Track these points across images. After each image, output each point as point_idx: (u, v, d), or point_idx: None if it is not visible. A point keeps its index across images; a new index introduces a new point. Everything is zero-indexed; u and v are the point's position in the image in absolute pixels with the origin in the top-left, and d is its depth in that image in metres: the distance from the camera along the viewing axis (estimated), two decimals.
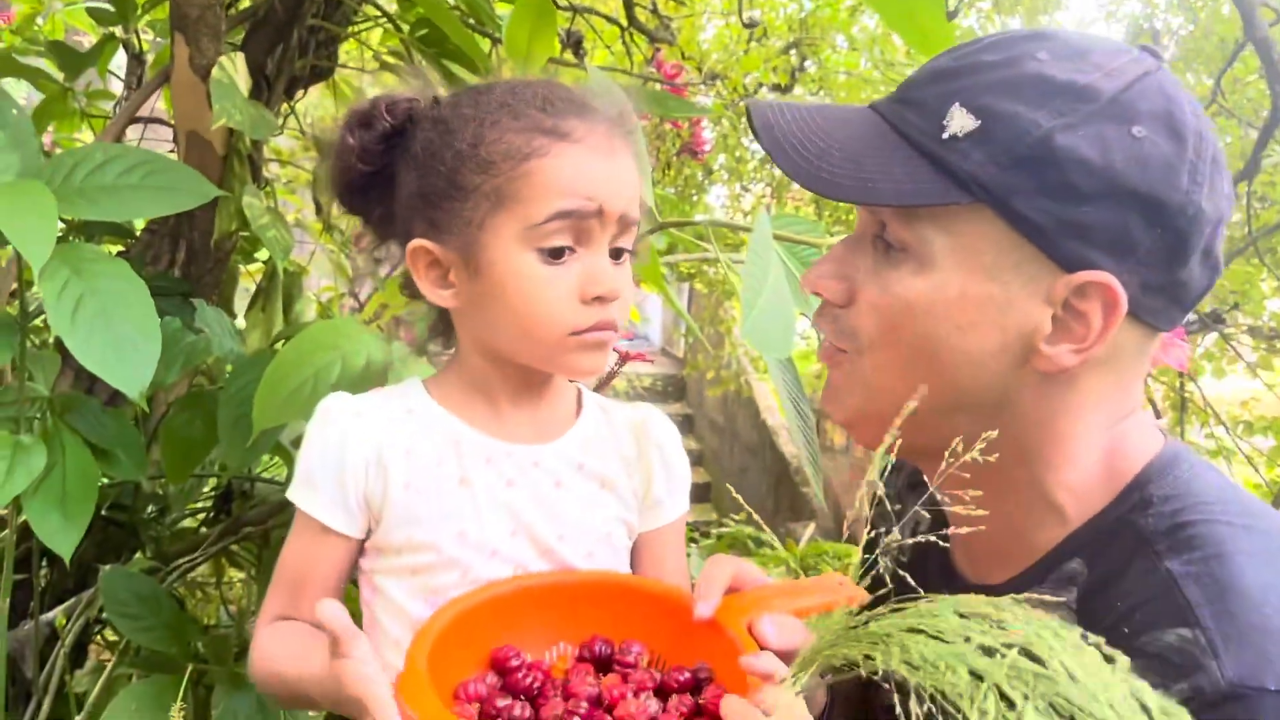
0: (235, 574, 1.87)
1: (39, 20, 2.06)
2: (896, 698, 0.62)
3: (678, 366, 8.92)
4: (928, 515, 0.85)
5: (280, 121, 1.68)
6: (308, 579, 0.89)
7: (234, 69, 1.31)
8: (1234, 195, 0.76)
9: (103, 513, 1.51)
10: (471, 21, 1.59)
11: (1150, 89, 0.72)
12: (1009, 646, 0.57)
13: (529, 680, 0.77)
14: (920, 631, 0.62)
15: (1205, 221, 0.72)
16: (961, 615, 0.61)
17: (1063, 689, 0.55)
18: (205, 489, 1.79)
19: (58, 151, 1.46)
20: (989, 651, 0.58)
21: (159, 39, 1.84)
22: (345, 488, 0.86)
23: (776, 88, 4.29)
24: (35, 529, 1.10)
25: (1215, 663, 0.64)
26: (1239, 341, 3.11)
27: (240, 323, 1.62)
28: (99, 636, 1.60)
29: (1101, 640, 0.57)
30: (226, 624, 1.74)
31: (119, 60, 1.86)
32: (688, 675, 0.78)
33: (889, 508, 0.93)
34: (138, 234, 1.55)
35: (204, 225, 1.45)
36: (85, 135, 1.97)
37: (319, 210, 1.74)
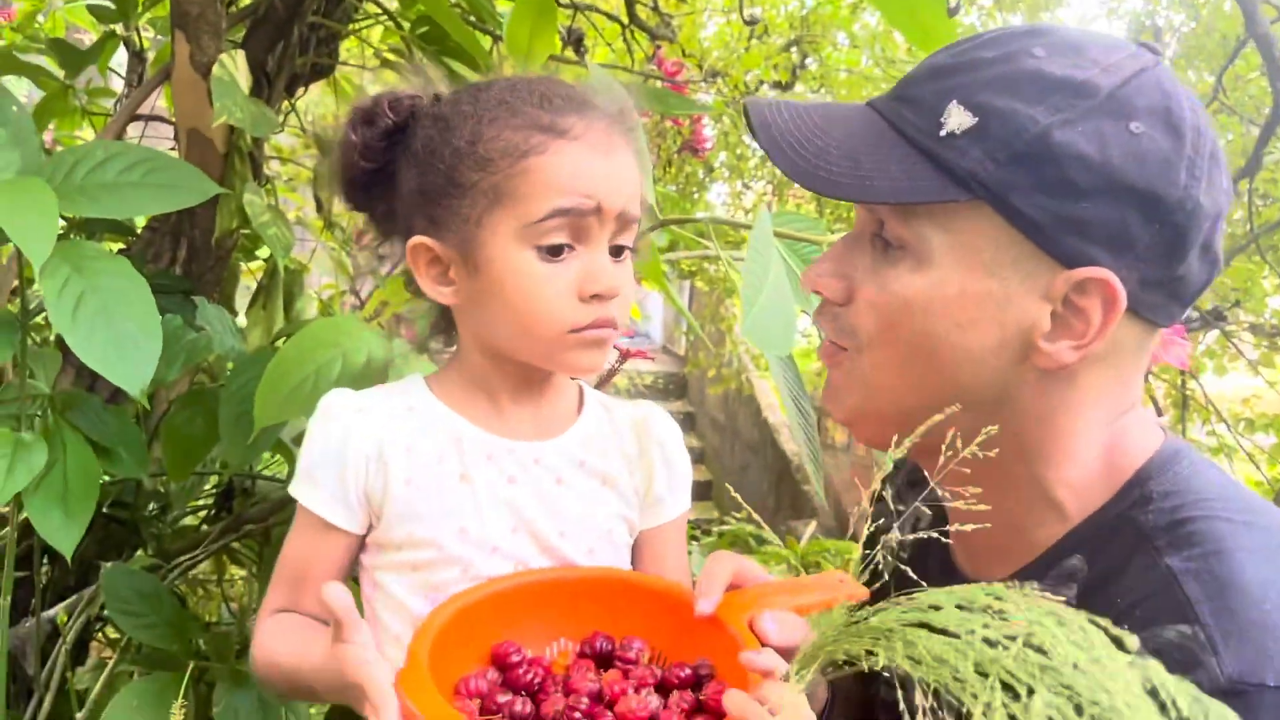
0: (236, 571, 1.87)
1: (40, 18, 2.07)
2: (900, 693, 0.62)
3: (679, 364, 8.93)
4: (929, 512, 0.85)
5: (281, 119, 1.68)
6: (308, 574, 0.89)
7: (235, 66, 1.31)
8: (1233, 190, 0.76)
9: (104, 510, 1.51)
10: (472, 19, 1.59)
11: (1148, 84, 0.72)
12: (1011, 638, 0.57)
13: (530, 676, 0.77)
14: (922, 626, 0.62)
15: (1204, 216, 0.72)
16: (962, 608, 0.61)
17: (1068, 679, 0.55)
18: (206, 486, 1.79)
19: (59, 149, 1.46)
20: (991, 644, 0.58)
21: (160, 36, 1.84)
22: (346, 483, 0.87)
23: (777, 85, 4.29)
24: (36, 526, 1.10)
25: (1215, 659, 0.64)
26: (1240, 339, 3.11)
27: (241, 320, 1.62)
28: (100, 634, 1.60)
29: (1108, 623, 0.57)
30: (228, 621, 1.74)
31: (120, 58, 1.86)
32: (689, 672, 0.78)
33: (890, 506, 0.93)
34: (139, 232, 1.55)
35: (205, 223, 1.45)
36: (86, 133, 1.97)
37: (320, 208, 1.75)
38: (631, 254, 0.89)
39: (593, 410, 0.96)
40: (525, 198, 0.82)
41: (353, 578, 0.93)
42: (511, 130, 0.83)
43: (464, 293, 0.88)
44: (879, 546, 0.75)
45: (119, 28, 1.73)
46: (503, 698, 0.74)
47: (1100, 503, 0.78)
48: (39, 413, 1.19)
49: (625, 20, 2.37)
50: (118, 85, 1.94)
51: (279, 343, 1.49)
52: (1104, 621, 0.57)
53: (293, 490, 0.89)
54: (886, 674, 0.92)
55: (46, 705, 1.28)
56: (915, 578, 0.68)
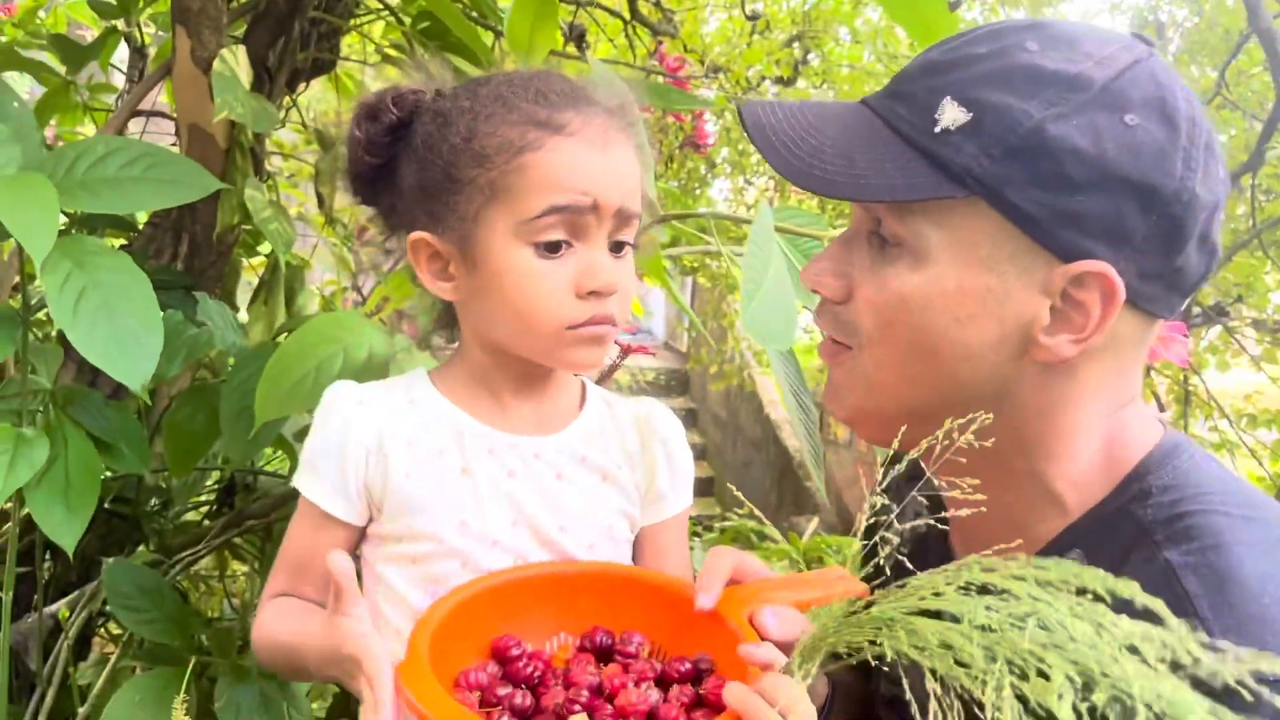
0: (238, 567, 1.87)
1: (41, 14, 2.07)
2: (905, 681, 0.62)
3: (681, 361, 8.93)
4: (926, 504, 0.85)
5: (282, 114, 1.68)
6: (309, 564, 0.89)
7: (235, 62, 1.31)
8: (1234, 185, 0.76)
9: (105, 506, 1.51)
10: (473, 14, 1.59)
11: (1142, 76, 0.72)
12: (1018, 617, 0.57)
13: (530, 669, 0.77)
14: (924, 614, 0.62)
15: (1201, 207, 0.72)
16: (965, 590, 0.61)
17: (1074, 653, 0.55)
18: (208, 482, 1.79)
19: (60, 145, 1.46)
20: (989, 629, 0.58)
21: (161, 32, 1.84)
22: (346, 475, 0.87)
23: (779, 80, 4.29)
24: (38, 522, 1.10)
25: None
26: (1243, 334, 3.11)
27: (243, 316, 1.62)
28: (102, 629, 1.60)
29: (1104, 574, 0.57)
30: (230, 617, 1.75)
31: (121, 54, 1.86)
32: (689, 666, 0.78)
33: (889, 501, 0.93)
34: (140, 227, 1.55)
35: (206, 219, 1.45)
36: (88, 129, 1.97)
37: (321, 203, 1.74)
38: (632, 250, 0.89)
39: (595, 406, 0.96)
40: (522, 194, 0.82)
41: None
42: (508, 126, 0.83)
43: (464, 288, 0.88)
44: (875, 537, 0.75)
45: (120, 23, 1.73)
46: (502, 690, 0.75)
47: (1100, 497, 0.78)
48: (40, 408, 1.19)
49: (627, 16, 2.37)
50: (119, 81, 1.94)
51: (280, 338, 1.49)
52: (1097, 573, 0.57)
53: (295, 481, 0.90)
54: (886, 669, 0.93)
55: (49, 700, 1.28)
56: (915, 572, 0.68)
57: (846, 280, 0.81)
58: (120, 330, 1.01)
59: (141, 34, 1.77)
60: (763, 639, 0.74)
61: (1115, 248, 0.71)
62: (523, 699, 0.74)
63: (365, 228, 1.00)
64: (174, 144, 1.44)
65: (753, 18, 3.76)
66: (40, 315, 1.25)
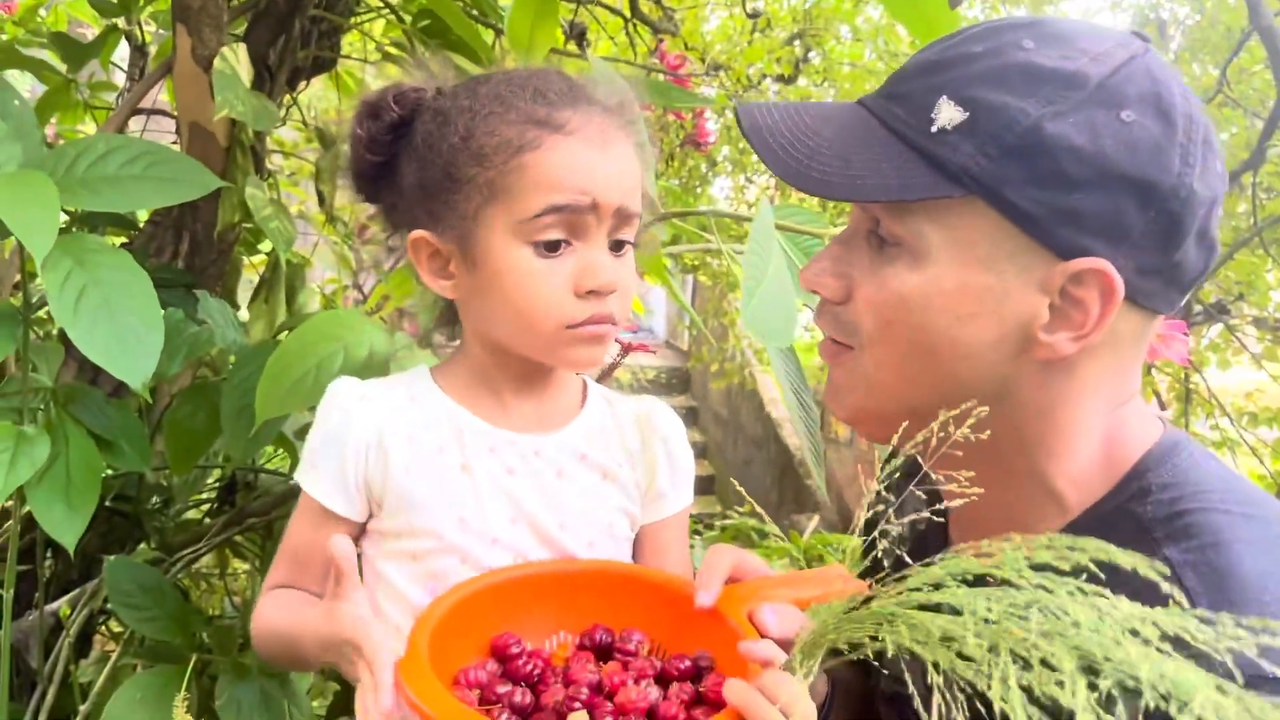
0: (239, 565, 1.88)
1: (42, 12, 2.07)
2: (908, 675, 0.62)
3: (682, 359, 8.93)
4: (925, 499, 0.85)
5: (283, 113, 1.68)
6: (308, 558, 0.90)
7: (236, 60, 1.31)
8: (1233, 182, 0.76)
9: (107, 504, 1.51)
10: (474, 12, 1.59)
11: (1138, 73, 0.72)
12: (1022, 607, 0.57)
13: (529, 667, 0.77)
14: (925, 608, 0.62)
15: (1199, 203, 0.72)
16: (968, 583, 0.61)
17: (1076, 640, 0.55)
18: (209, 480, 1.79)
19: (61, 143, 1.46)
20: (990, 622, 0.58)
21: (161, 30, 1.84)
22: (345, 470, 0.87)
23: (780, 78, 4.29)
24: (39, 520, 1.11)
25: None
26: (1244, 333, 3.11)
27: (243, 314, 1.62)
28: (103, 627, 1.61)
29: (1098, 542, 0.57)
30: (230, 615, 1.75)
31: (122, 52, 1.86)
32: (688, 663, 0.78)
33: (889, 499, 0.93)
34: (141, 225, 1.55)
35: (207, 217, 1.45)
36: (88, 127, 1.97)
37: (322, 202, 1.74)
38: (632, 248, 0.89)
39: (596, 404, 0.96)
40: (520, 194, 0.82)
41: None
42: (506, 125, 0.83)
43: (464, 287, 0.88)
44: (874, 532, 0.75)
45: (121, 22, 1.73)
46: (502, 688, 0.75)
47: (1100, 495, 0.78)
48: (41, 406, 1.19)
49: (628, 14, 2.37)
50: (120, 79, 1.94)
51: (281, 336, 1.49)
52: (1091, 542, 0.57)
53: (296, 475, 0.90)
54: (886, 671, 0.93)
55: (49, 698, 1.28)
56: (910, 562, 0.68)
57: (846, 281, 0.81)
58: (121, 328, 1.02)
59: (142, 32, 1.77)
60: (762, 636, 0.74)
61: (1114, 245, 0.71)
62: (522, 697, 0.74)
63: (366, 226, 1.00)
64: (175, 142, 1.44)
65: (754, 15, 3.76)
66: (41, 313, 1.25)
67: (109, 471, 1.36)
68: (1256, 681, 0.63)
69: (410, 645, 0.72)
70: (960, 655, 0.57)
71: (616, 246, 0.87)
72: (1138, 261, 0.72)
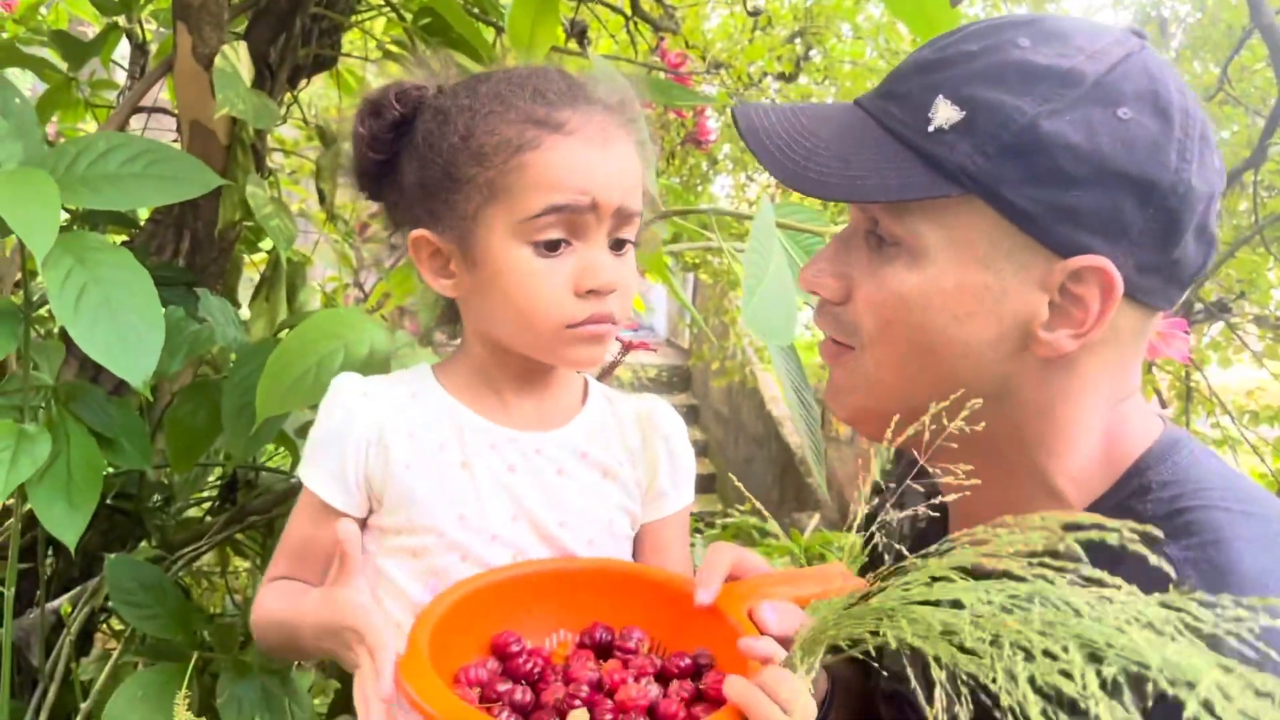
0: (240, 563, 1.88)
1: (43, 10, 2.06)
2: (909, 670, 0.62)
3: (683, 357, 8.92)
4: (924, 494, 0.85)
5: (283, 111, 1.68)
6: (308, 552, 0.90)
7: (237, 58, 1.31)
8: (1225, 171, 0.76)
9: (108, 502, 1.51)
10: (475, 10, 1.59)
11: (1134, 69, 0.72)
12: (1023, 598, 0.57)
13: (529, 665, 0.77)
14: (925, 603, 0.62)
15: (1197, 199, 0.72)
16: (968, 573, 0.61)
17: (1083, 629, 0.54)
18: (210, 478, 1.79)
19: (62, 141, 1.46)
20: (1002, 609, 0.58)
21: (162, 29, 1.84)
22: (346, 466, 0.87)
23: (781, 76, 4.29)
24: (40, 518, 1.11)
25: None
26: (1245, 331, 3.11)
27: (244, 312, 1.62)
28: (105, 625, 1.61)
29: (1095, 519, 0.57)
30: (231, 612, 1.75)
31: (122, 50, 1.86)
32: (688, 661, 0.78)
33: (889, 496, 0.93)
34: (141, 224, 1.55)
35: (208, 215, 1.45)
36: (89, 125, 1.97)
37: (322, 200, 1.74)
38: (633, 247, 0.89)
39: (596, 403, 0.96)
40: (520, 194, 0.82)
41: None
42: (506, 125, 0.83)
43: (464, 286, 0.88)
44: (872, 526, 0.75)
45: (122, 20, 1.73)
46: (503, 687, 0.75)
47: (1099, 492, 0.78)
48: (42, 404, 1.19)
49: (628, 12, 2.37)
50: (121, 77, 1.94)
51: (282, 335, 1.50)
52: (1087, 517, 0.57)
53: (298, 469, 0.91)
54: (886, 670, 0.93)
55: (51, 696, 1.28)
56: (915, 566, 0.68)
57: (845, 281, 0.81)
58: (122, 326, 1.02)
59: (143, 30, 1.77)
60: (762, 634, 0.74)
61: (1112, 242, 0.71)
62: (523, 695, 0.74)
63: (367, 224, 1.00)
64: (175, 140, 1.44)
65: (754, 13, 3.76)
66: (42, 311, 1.25)
67: (110, 469, 1.36)
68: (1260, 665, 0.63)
69: (411, 643, 0.72)
70: (962, 649, 0.57)
71: (617, 245, 0.87)
72: (1137, 258, 0.72)
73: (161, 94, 1.82)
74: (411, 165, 0.88)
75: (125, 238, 1.56)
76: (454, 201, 0.85)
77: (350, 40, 1.91)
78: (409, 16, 1.61)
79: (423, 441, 0.88)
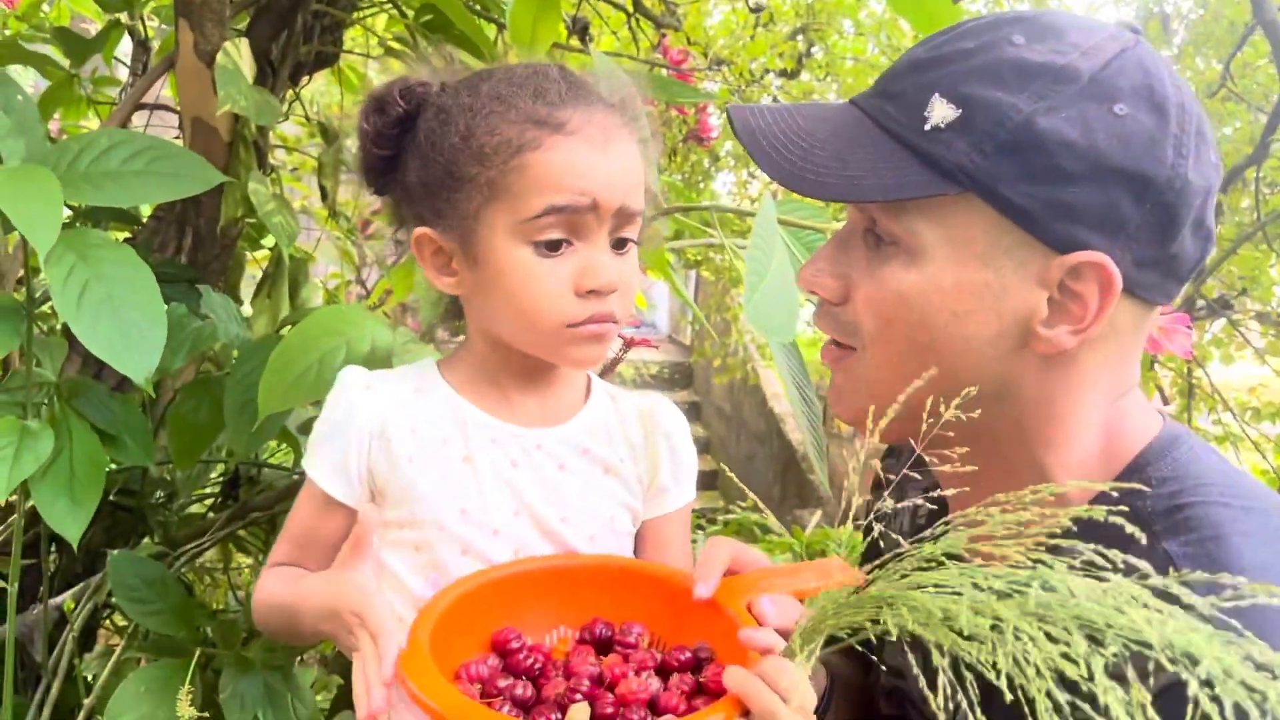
0: (243, 559, 1.88)
1: (45, 7, 2.06)
2: (911, 657, 0.62)
3: (685, 354, 8.92)
4: (923, 492, 0.85)
5: (285, 108, 1.68)
6: (309, 541, 0.91)
7: (239, 55, 1.31)
8: (1221, 164, 0.76)
9: (110, 498, 1.52)
10: (476, 7, 1.59)
11: (1129, 65, 0.72)
12: (1021, 583, 0.58)
13: (530, 661, 0.77)
14: (924, 588, 0.62)
15: (1194, 193, 0.72)
16: (958, 558, 0.61)
17: (1082, 611, 0.55)
18: (212, 475, 1.80)
19: (64, 138, 1.46)
20: (1002, 595, 0.58)
21: (164, 25, 1.84)
22: (348, 458, 0.88)
23: (783, 73, 4.28)
24: (43, 514, 1.11)
25: None
26: (1247, 327, 3.10)
27: (246, 309, 1.63)
28: (108, 621, 1.61)
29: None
30: (234, 609, 1.75)
31: (124, 47, 1.86)
32: (688, 655, 0.78)
33: (891, 491, 0.93)
34: (144, 220, 1.56)
35: (210, 212, 1.46)
36: (91, 122, 1.97)
37: (324, 197, 1.75)
38: (635, 246, 0.89)
39: (599, 399, 0.96)
40: (520, 194, 0.82)
41: None
42: (507, 125, 0.83)
43: (467, 284, 0.88)
44: (869, 519, 0.75)
45: (124, 17, 1.73)
46: (503, 682, 0.75)
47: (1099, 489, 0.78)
48: (45, 401, 1.19)
49: (630, 8, 2.37)
50: (123, 74, 1.94)
51: (284, 331, 1.50)
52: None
53: (303, 460, 0.92)
54: (886, 665, 0.93)
55: (54, 692, 1.29)
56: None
57: (844, 281, 0.81)
58: (124, 323, 1.02)
59: (145, 27, 1.77)
60: (761, 627, 0.75)
61: (1110, 238, 0.71)
62: (524, 690, 0.74)
63: (369, 221, 1.00)
64: (177, 137, 1.44)
65: (756, 10, 3.75)
66: (45, 308, 1.25)
67: (112, 466, 1.36)
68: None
69: (412, 640, 0.73)
70: (962, 635, 0.57)
71: (619, 244, 0.87)
72: (1135, 254, 0.72)
73: (164, 91, 1.82)
74: (414, 163, 0.88)
75: (128, 235, 1.57)
76: (456, 200, 0.85)
77: (352, 37, 1.91)
78: (410, 13, 1.61)
79: (425, 436, 0.88)
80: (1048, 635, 0.54)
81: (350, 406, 0.89)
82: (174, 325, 1.17)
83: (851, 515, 0.75)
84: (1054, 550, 0.78)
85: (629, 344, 1.62)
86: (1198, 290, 2.68)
